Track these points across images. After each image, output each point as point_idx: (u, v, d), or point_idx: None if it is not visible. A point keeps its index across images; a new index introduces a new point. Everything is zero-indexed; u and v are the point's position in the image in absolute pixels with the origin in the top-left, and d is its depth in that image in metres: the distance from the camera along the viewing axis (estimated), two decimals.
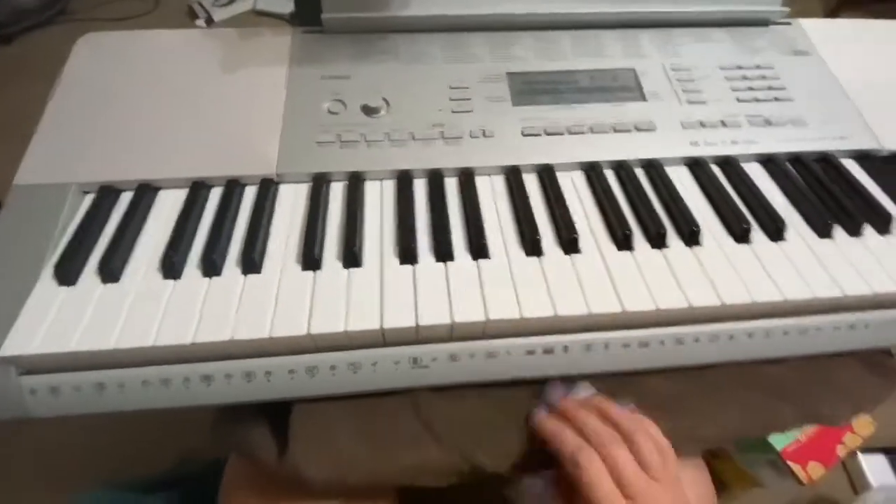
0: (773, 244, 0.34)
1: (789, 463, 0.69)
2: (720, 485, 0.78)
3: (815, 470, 0.70)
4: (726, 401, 0.36)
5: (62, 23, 1.44)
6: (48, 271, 0.31)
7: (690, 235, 0.34)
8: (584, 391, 0.34)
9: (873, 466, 0.81)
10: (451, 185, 0.38)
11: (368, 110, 0.39)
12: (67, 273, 0.31)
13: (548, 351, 0.31)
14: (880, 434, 0.73)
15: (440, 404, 0.34)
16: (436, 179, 0.37)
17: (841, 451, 0.72)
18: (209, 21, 1.45)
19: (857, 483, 0.81)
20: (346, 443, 0.32)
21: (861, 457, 0.81)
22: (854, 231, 0.35)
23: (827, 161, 0.40)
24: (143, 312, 0.29)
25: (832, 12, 1.51)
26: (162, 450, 0.70)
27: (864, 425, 0.74)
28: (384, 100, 0.40)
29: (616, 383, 0.35)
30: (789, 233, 0.35)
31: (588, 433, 0.31)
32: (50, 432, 0.76)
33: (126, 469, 0.65)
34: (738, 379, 0.36)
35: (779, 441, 0.68)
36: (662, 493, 0.29)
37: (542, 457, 0.33)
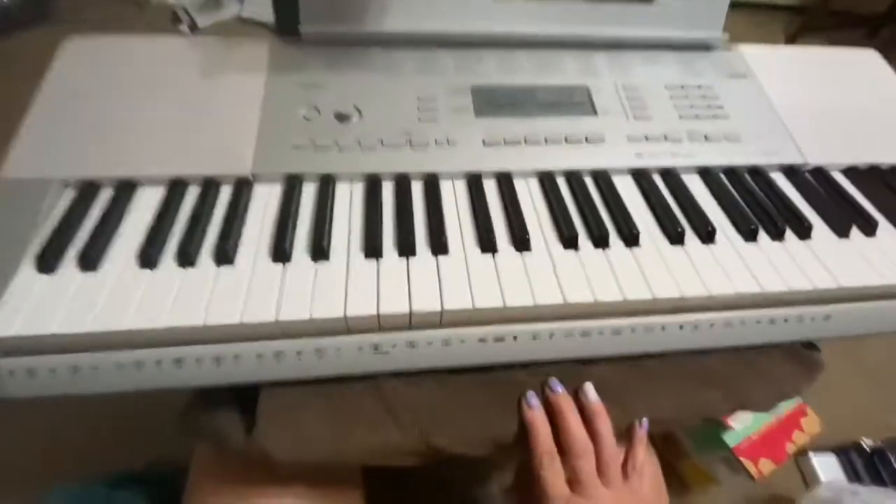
0: (703, 246, 0.38)
1: (741, 459, 0.73)
2: (681, 483, 0.82)
3: (766, 466, 0.73)
4: (663, 389, 0.39)
5: (45, 25, 1.43)
6: (29, 260, 0.33)
7: (630, 237, 0.38)
8: (589, 394, 0.38)
9: (824, 466, 0.86)
10: (417, 189, 0.40)
11: (341, 117, 0.42)
12: (48, 261, 0.32)
13: (498, 339, 0.34)
14: (830, 434, 0.78)
15: (402, 389, 0.36)
16: (402, 183, 0.40)
17: (790, 448, 0.76)
18: (193, 27, 1.46)
19: (809, 482, 0.85)
20: (310, 423, 0.34)
21: (812, 456, 0.86)
22: (777, 236, 0.39)
23: (757, 173, 0.44)
24: (119, 298, 0.31)
25: (791, 38, 1.61)
26: (130, 454, 0.70)
27: (811, 423, 0.78)
28: (356, 108, 0.43)
29: (562, 371, 0.38)
30: (719, 236, 0.39)
31: (566, 440, 0.35)
32: (15, 434, 0.75)
33: (94, 472, 0.65)
34: (674, 368, 0.39)
35: (732, 438, 0.72)
36: (611, 500, 0.33)
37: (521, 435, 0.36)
